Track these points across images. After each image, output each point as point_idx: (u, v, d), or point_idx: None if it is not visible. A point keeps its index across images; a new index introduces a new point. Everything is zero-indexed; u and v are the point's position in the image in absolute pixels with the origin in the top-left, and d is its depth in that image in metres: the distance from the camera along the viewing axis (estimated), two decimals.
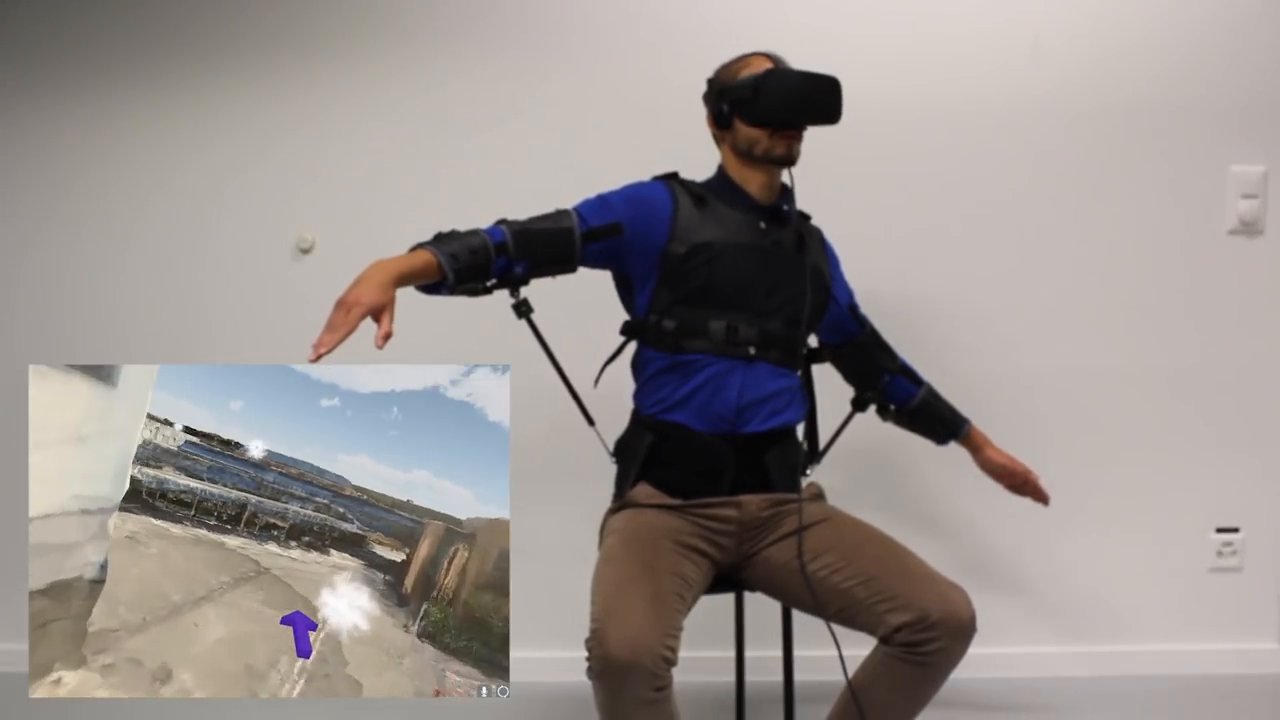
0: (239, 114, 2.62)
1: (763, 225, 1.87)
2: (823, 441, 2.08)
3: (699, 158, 1.95)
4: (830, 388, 2.09)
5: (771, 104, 1.81)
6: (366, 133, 2.59)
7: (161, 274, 2.66)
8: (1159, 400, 2.53)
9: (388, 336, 1.57)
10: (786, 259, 1.86)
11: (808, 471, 1.93)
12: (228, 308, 2.64)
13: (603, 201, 1.86)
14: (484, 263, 1.76)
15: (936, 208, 2.52)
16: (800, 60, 2.35)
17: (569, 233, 1.81)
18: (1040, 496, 2.10)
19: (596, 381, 1.94)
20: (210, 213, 2.63)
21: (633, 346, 1.92)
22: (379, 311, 1.59)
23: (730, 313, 1.82)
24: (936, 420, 2.08)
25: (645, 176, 1.90)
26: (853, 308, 2.05)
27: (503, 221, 1.81)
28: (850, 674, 1.71)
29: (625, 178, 1.90)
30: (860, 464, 2.50)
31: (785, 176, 1.92)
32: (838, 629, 1.71)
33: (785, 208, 1.89)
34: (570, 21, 2.55)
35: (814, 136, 2.48)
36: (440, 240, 1.76)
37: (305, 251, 2.61)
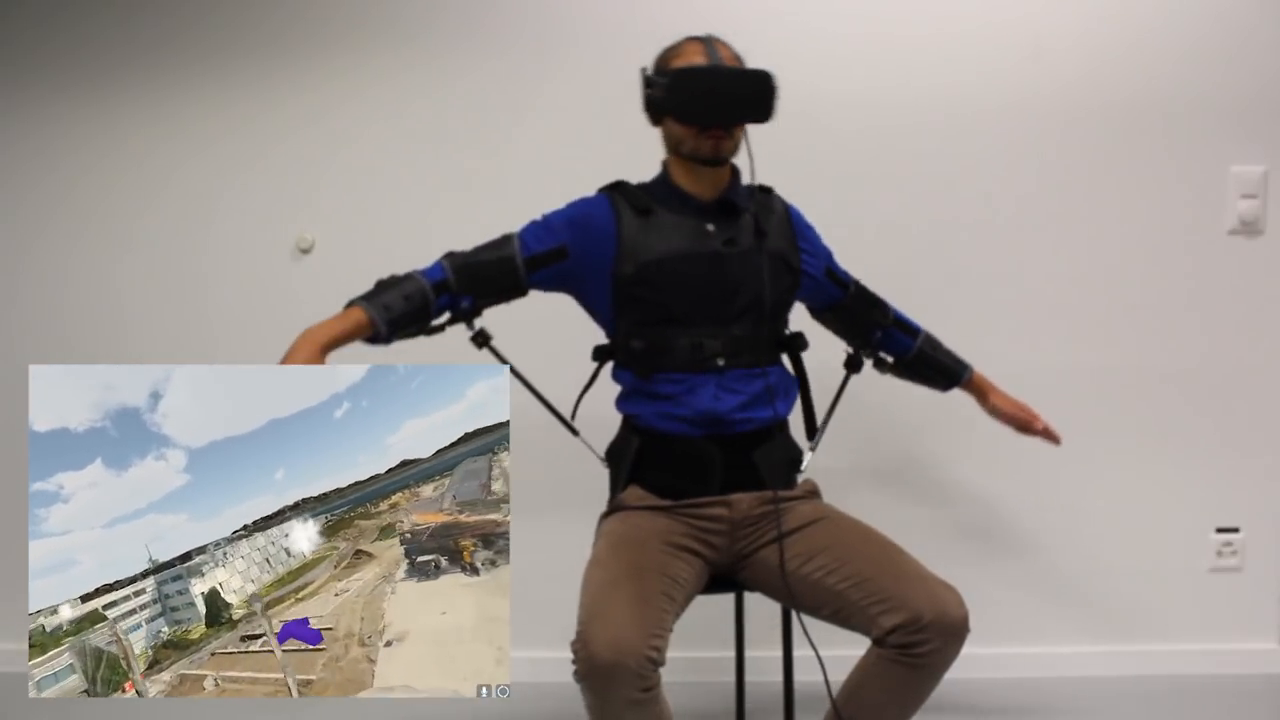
0: (239, 115, 2.62)
1: (710, 228, 1.80)
2: (820, 417, 2.01)
3: None
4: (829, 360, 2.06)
5: (687, 101, 1.74)
6: (367, 133, 2.59)
7: (161, 274, 2.66)
8: (1159, 400, 2.53)
9: None
10: (741, 257, 1.79)
11: (802, 469, 1.91)
12: (228, 308, 2.64)
13: (546, 224, 1.83)
14: (422, 306, 1.76)
15: (936, 207, 2.51)
16: (800, 59, 2.36)
17: (510, 260, 1.80)
18: (1050, 437, 2.05)
19: (574, 414, 1.94)
20: (210, 213, 2.64)
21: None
22: None
23: (693, 328, 1.78)
24: (935, 370, 2.05)
25: (646, 177, 1.88)
26: (830, 273, 1.96)
27: (448, 255, 1.80)
28: (842, 676, 1.70)
29: (626, 179, 1.89)
30: (858, 465, 2.51)
31: (743, 161, 1.82)
32: (836, 629, 1.70)
33: (734, 200, 1.82)
34: (572, 22, 2.55)
35: (813, 136, 2.50)
36: (376, 290, 1.76)
37: (305, 251, 2.62)
